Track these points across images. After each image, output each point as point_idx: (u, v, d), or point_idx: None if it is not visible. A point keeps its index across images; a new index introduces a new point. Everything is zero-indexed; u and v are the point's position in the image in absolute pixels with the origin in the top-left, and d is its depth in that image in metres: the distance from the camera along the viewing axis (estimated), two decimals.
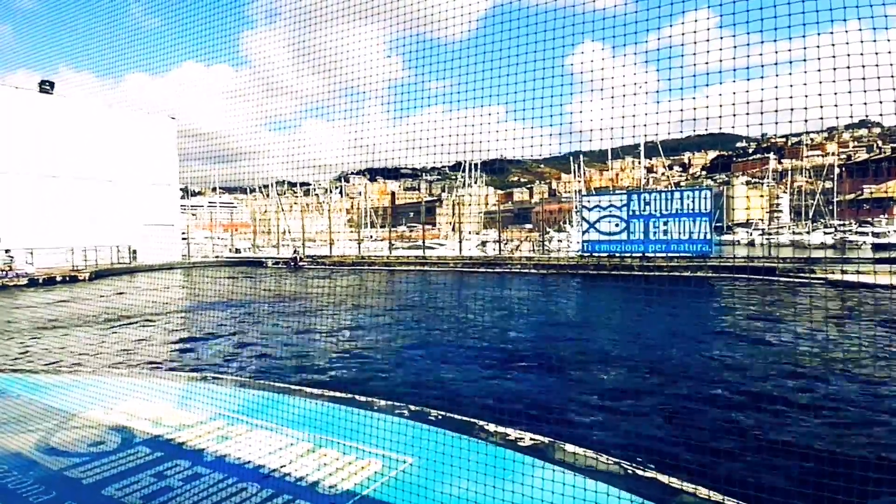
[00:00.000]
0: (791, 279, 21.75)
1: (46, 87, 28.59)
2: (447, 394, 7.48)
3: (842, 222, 48.33)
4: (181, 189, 41.72)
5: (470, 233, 49.04)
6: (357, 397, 5.93)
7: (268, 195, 66.55)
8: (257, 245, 47.42)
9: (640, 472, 4.03)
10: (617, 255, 26.90)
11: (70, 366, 8.79)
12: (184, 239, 38.91)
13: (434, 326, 13.01)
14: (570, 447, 4.41)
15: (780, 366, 9.24)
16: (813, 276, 21.34)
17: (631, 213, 26.64)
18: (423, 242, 39.08)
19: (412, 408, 5.54)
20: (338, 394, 6.03)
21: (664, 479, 3.93)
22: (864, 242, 30.82)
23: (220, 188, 70.91)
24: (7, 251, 21.96)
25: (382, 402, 5.73)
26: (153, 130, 32.36)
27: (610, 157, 42.58)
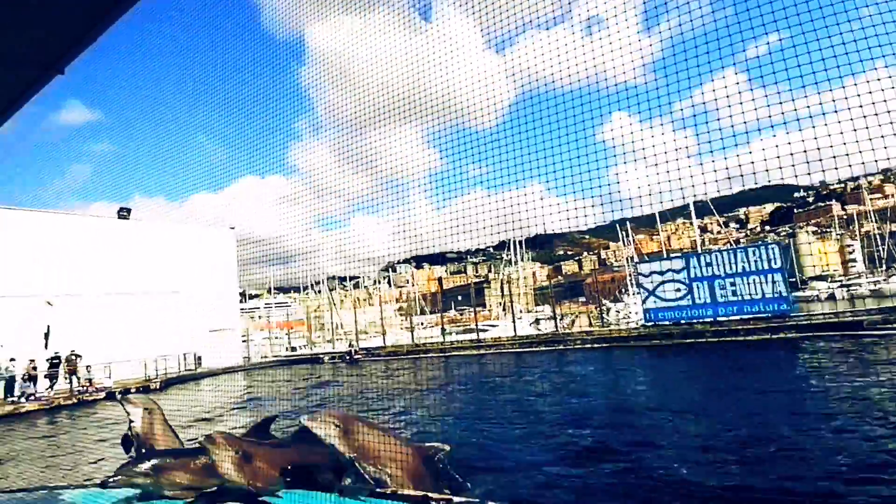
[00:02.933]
0: (882, 331, 19.92)
1: (124, 213, 31.46)
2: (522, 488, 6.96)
3: None
4: (240, 294, 43.68)
5: (521, 311, 48.28)
6: (430, 495, 5.59)
7: (319, 292, 68.66)
8: (313, 342, 48.20)
9: None
10: (683, 321, 25.50)
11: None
12: (244, 341, 40.07)
13: (496, 414, 12.47)
14: None
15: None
16: None
17: (692, 276, 25.54)
18: (476, 325, 38.62)
19: (456, 500, 5.17)
20: (410, 492, 5.70)
21: None
22: None
23: (275, 289, 73.81)
24: (87, 367, 23.14)
25: (457, 500, 5.37)
26: (215, 242, 34.59)
27: (658, 220, 41.88)
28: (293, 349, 46.29)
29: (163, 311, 29.72)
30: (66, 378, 22.41)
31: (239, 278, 36.09)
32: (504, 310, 60.84)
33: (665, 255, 33.83)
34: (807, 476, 6.65)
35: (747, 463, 7.34)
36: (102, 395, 21.89)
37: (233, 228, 36.08)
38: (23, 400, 20.46)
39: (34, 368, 21.60)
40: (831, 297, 30.01)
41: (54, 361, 22.67)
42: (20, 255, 24.37)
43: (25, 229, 25.70)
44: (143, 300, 29.12)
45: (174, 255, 31.61)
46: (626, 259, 47.73)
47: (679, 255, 30.12)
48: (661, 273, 26.48)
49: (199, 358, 31.41)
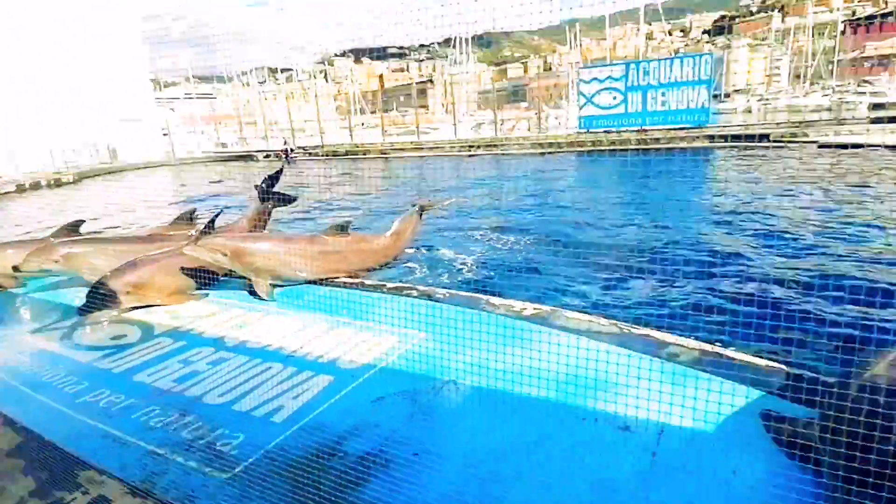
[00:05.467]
0: (784, 144, 21.50)
1: None
2: (454, 273, 7.72)
3: (841, 83, 46.39)
4: (152, 80, 39.46)
5: (464, 114, 47.48)
6: (365, 282, 6.11)
7: (248, 83, 63.24)
8: (244, 138, 46.01)
9: (634, 331, 4.29)
10: (614, 129, 26.29)
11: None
12: (165, 135, 37.54)
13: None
14: (570, 313, 4.64)
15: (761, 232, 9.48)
16: (806, 139, 21.11)
17: (629, 84, 25.59)
18: (417, 127, 37.98)
19: (420, 288, 5.74)
20: (347, 279, 6.19)
21: (657, 334, 4.20)
22: (861, 102, 29.80)
23: (195, 77, 67.02)
24: None
25: (390, 285, 5.92)
26: (117, 15, 29.66)
27: (608, 23, 39.68)
28: (223, 145, 44.27)
29: (63, 97, 26.57)
30: None
31: (149, 61, 32.19)
32: (447, 112, 59.36)
33: (608, 62, 33.03)
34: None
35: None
36: (13, 187, 20.67)
37: None
38: None
39: None
40: (748, 110, 31.13)
41: None
42: None
43: None
44: (40, 82, 25.65)
45: (66, 29, 27.09)
46: (570, 64, 46.26)
47: (621, 62, 29.54)
48: (602, 80, 26.27)
49: (114, 150, 29.50)
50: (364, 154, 33.52)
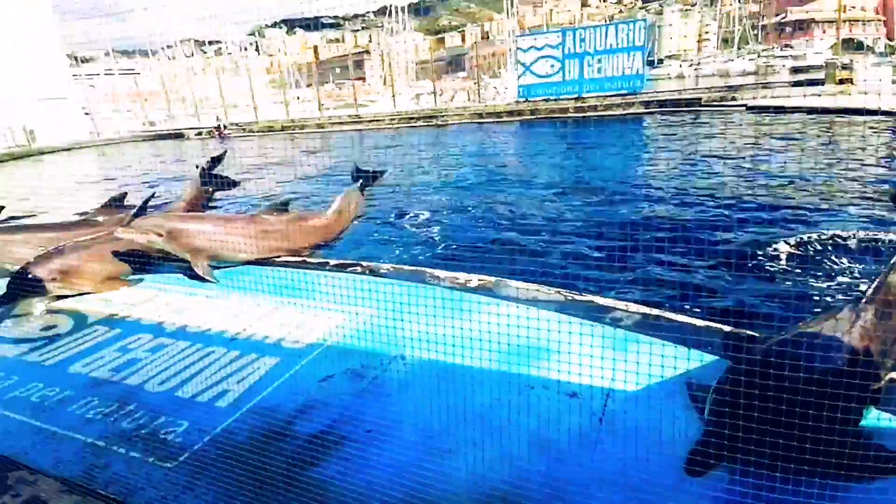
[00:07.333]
0: (714, 108, 22.53)
1: None
2: (396, 248, 7.71)
3: (766, 47, 48.62)
4: (68, 56, 36.36)
5: (404, 85, 46.60)
6: (308, 260, 6.01)
7: (174, 57, 59.35)
8: (172, 115, 43.35)
9: (578, 298, 4.47)
10: (552, 98, 26.59)
11: None
12: (86, 114, 34.90)
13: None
14: (515, 283, 4.77)
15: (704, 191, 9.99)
16: (734, 103, 22.18)
17: (566, 51, 25.84)
18: (356, 100, 36.97)
19: (364, 264, 5.71)
20: (289, 259, 6.07)
21: (600, 300, 4.40)
22: (784, 66, 31.51)
23: (115, 52, 62.17)
24: None
25: (334, 262, 5.86)
26: None
27: None
28: (151, 123, 41.63)
29: None
30: None
31: (61, 34, 29.62)
32: (385, 84, 58.00)
33: (545, 30, 33.22)
34: None
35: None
36: None
37: None
38: None
39: None
40: (680, 76, 32.27)
41: None
42: None
43: None
44: None
45: None
46: (509, 32, 46.16)
47: (557, 30, 29.78)
48: (539, 48, 26.41)
49: (32, 132, 27.19)
50: (301, 129, 32.52)
